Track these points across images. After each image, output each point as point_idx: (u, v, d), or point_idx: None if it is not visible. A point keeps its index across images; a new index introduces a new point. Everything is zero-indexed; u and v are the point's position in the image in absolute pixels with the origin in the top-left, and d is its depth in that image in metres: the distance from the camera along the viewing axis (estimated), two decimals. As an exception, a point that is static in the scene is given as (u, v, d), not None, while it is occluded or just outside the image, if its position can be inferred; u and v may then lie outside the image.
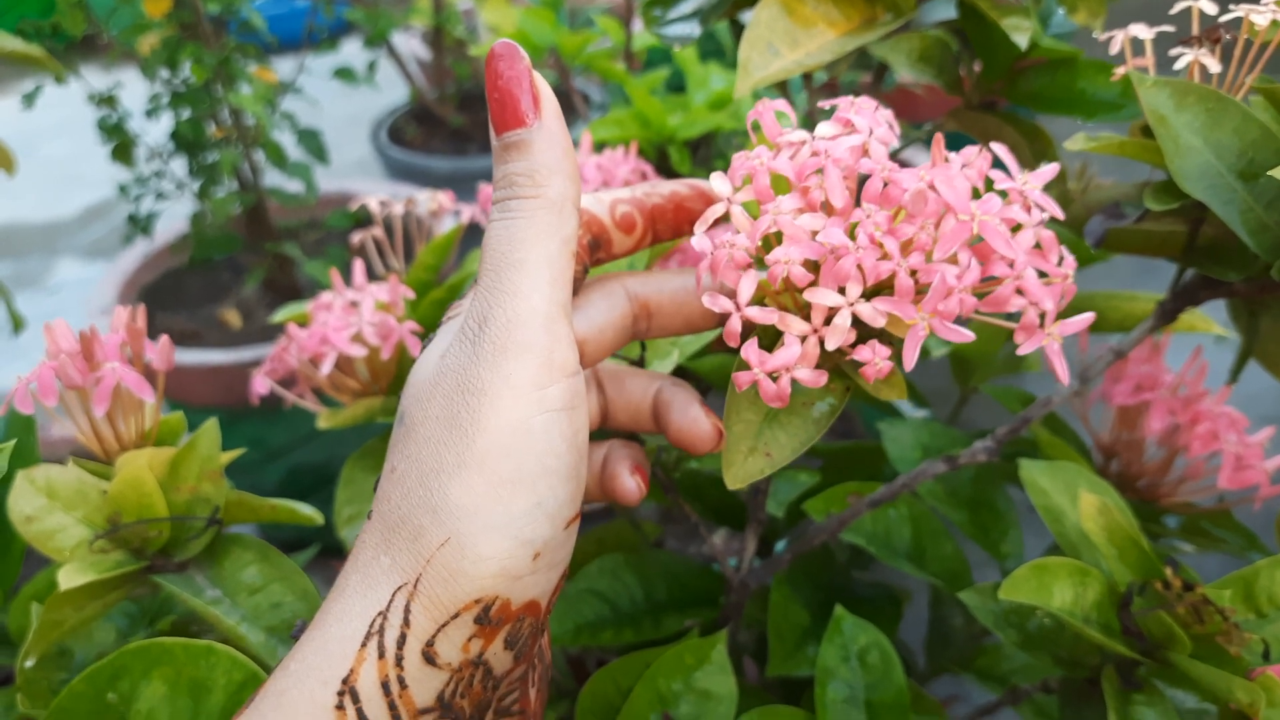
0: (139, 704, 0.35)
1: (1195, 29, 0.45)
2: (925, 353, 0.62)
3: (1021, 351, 0.32)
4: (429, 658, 0.30)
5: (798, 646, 0.59)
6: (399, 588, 0.30)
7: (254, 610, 0.42)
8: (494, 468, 0.30)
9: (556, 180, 0.33)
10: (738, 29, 0.59)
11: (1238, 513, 0.61)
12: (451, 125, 1.91)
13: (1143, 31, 0.45)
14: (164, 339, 0.44)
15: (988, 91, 0.57)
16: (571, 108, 1.49)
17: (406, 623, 0.30)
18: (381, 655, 0.30)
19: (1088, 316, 0.33)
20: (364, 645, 0.30)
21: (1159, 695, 0.44)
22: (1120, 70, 0.46)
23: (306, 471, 1.32)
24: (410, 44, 2.10)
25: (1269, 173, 0.39)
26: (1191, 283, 0.48)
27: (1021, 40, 0.50)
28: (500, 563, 0.30)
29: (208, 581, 0.43)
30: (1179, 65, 0.44)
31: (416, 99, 1.94)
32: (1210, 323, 0.66)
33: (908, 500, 0.60)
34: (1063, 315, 0.32)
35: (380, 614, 0.30)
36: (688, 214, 0.38)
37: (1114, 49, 0.46)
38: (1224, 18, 0.44)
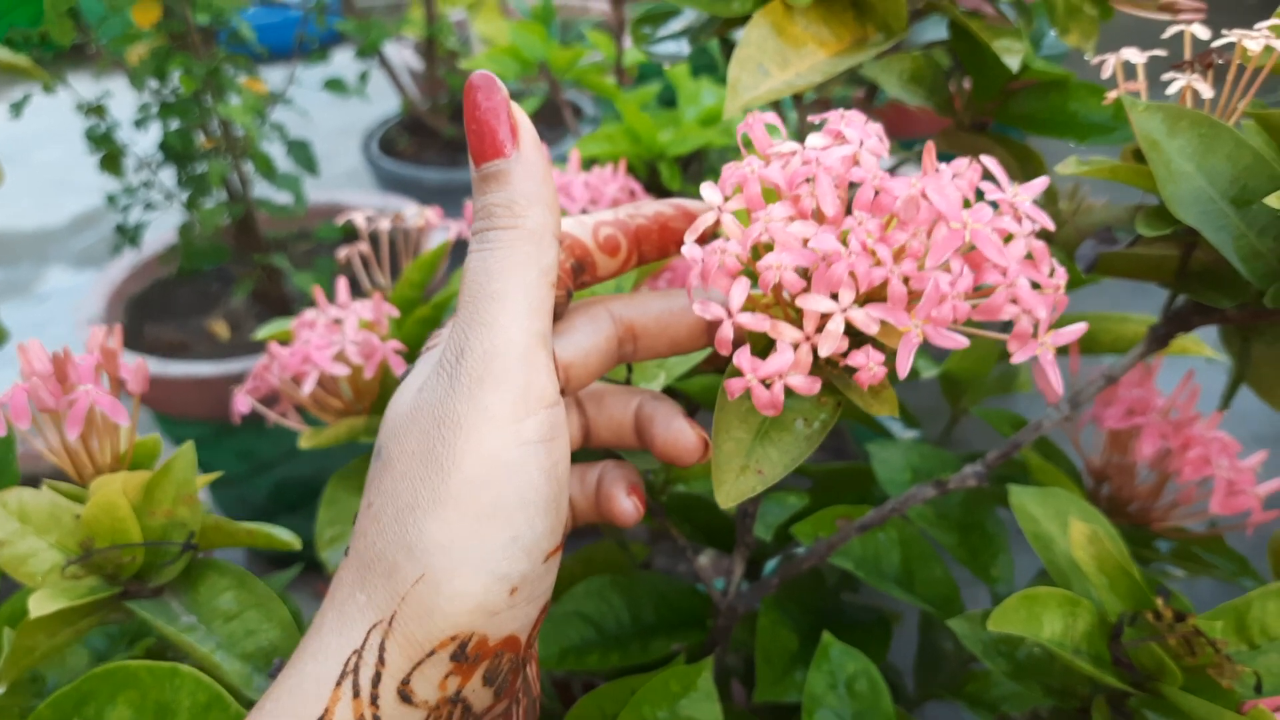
0: (104, 729, 0.34)
1: (1188, 53, 0.45)
2: (915, 374, 0.62)
3: (1015, 360, 0.32)
4: (405, 696, 0.30)
5: (786, 672, 0.58)
6: (374, 625, 0.30)
7: (229, 637, 0.41)
8: (470, 502, 0.30)
9: (535, 210, 0.32)
10: (728, 47, 0.59)
11: (1229, 538, 0.60)
12: (444, 136, 1.90)
13: (1135, 55, 0.45)
14: (139, 361, 0.44)
15: (979, 113, 0.56)
16: (562, 121, 1.49)
17: (382, 661, 0.29)
18: (356, 694, 0.29)
19: (1080, 327, 0.32)
20: (339, 684, 0.29)
21: (1150, 727, 0.44)
22: (1112, 94, 0.45)
23: (295, 485, 1.31)
24: (403, 55, 2.10)
25: (1264, 200, 0.39)
26: (1184, 308, 0.48)
27: (1013, 62, 0.49)
28: (476, 599, 0.30)
29: (183, 608, 0.42)
30: (1171, 90, 0.43)
31: (408, 110, 1.94)
32: (1202, 345, 0.66)
33: (897, 523, 0.60)
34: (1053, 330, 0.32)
35: (355, 652, 0.30)
36: (673, 235, 0.38)
37: (1106, 73, 0.45)
38: (1217, 42, 0.43)
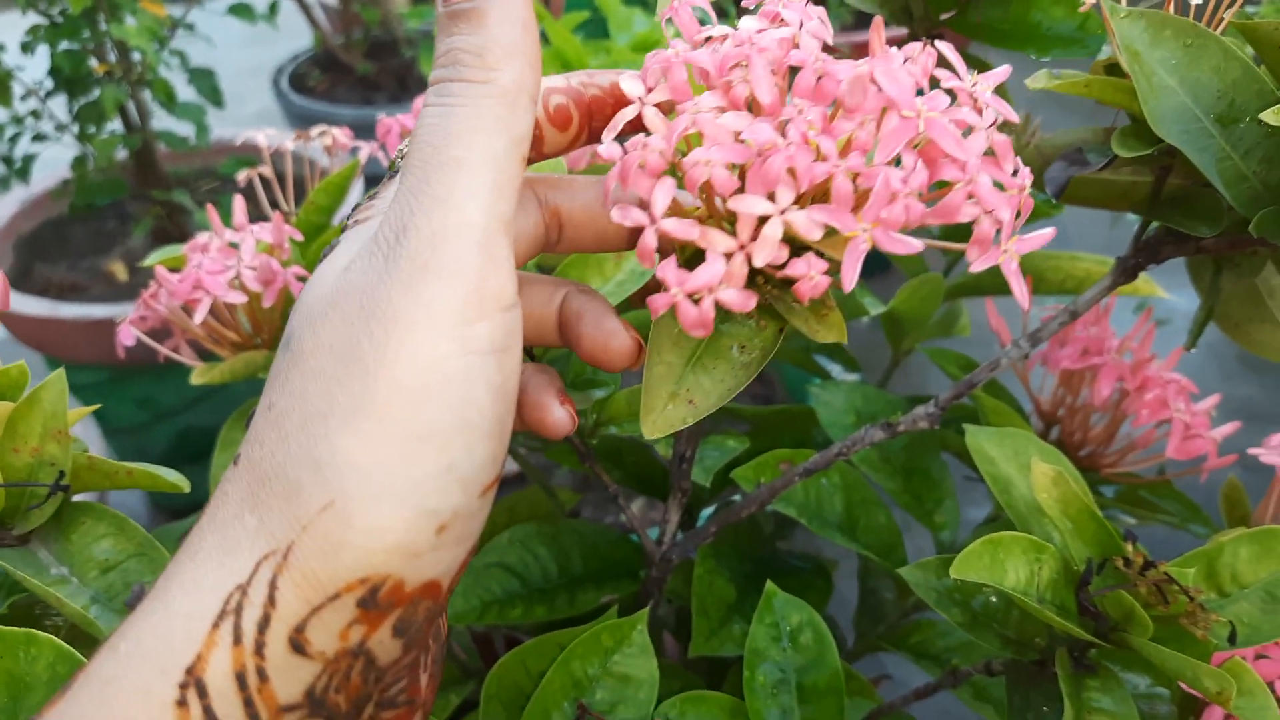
0: (-58, 708, 0.29)
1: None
2: (863, 311, 0.58)
3: (975, 268, 0.28)
4: (298, 646, 0.25)
5: (723, 624, 0.54)
6: (265, 556, 0.25)
7: (107, 590, 0.36)
8: (398, 418, 0.25)
9: (513, 64, 0.27)
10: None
11: (1177, 484, 0.58)
12: (358, 73, 1.82)
13: (1115, -43, 0.41)
14: (-2, 275, 0.38)
15: (934, 24, 0.52)
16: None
17: (272, 601, 0.24)
18: (238, 640, 0.24)
19: (1048, 232, 0.29)
20: (216, 626, 0.24)
21: (1114, 679, 0.41)
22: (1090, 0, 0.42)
23: (199, 434, 1.24)
24: (316, -11, 2.00)
25: (1260, 115, 0.35)
26: (1155, 237, 0.45)
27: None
28: (396, 536, 0.25)
29: (53, 558, 0.37)
30: (1155, -5, 0.40)
31: (321, 45, 1.85)
32: (1155, 286, 0.63)
33: (840, 468, 0.57)
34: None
35: (239, 588, 0.24)
36: None
37: (1083, -25, 0.42)
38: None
